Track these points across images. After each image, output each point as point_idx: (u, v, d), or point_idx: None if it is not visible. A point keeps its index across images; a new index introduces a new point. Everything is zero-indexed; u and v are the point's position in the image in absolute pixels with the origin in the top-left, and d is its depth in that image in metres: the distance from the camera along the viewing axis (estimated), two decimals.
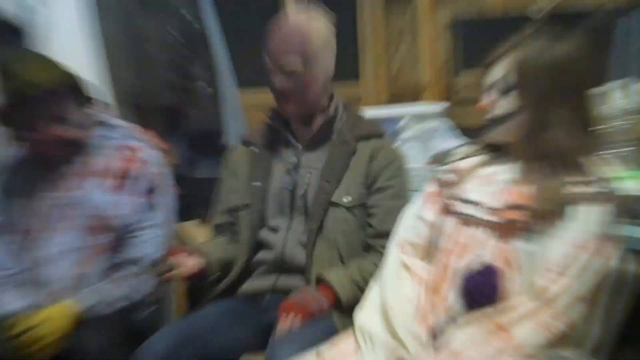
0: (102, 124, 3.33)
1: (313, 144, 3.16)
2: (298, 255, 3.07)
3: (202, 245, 3.19)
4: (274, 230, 3.13)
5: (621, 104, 3.28)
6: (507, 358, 2.38)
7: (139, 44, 4.01)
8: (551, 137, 2.52)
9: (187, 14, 4.02)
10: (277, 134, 3.20)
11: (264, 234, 3.14)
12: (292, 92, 3.03)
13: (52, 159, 3.18)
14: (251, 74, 4.28)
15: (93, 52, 3.82)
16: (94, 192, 3.20)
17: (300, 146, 3.17)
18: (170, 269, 2.97)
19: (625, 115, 3.26)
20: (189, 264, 3.00)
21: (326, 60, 3.08)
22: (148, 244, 3.24)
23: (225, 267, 3.14)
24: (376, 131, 3.18)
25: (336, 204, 3.06)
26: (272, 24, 3.04)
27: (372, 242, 3.07)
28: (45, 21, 3.77)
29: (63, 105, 3.13)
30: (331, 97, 3.17)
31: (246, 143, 3.29)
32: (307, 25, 3.02)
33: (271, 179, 3.16)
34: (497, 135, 2.64)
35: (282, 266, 3.10)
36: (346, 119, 3.17)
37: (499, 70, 2.59)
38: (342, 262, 3.04)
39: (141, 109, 4.04)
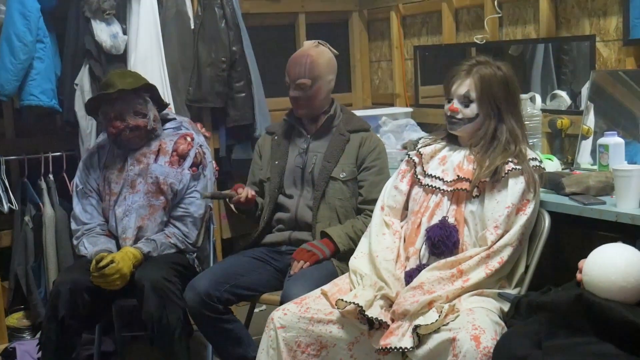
0: (169, 118, 3.34)
1: (318, 135, 3.10)
2: (307, 215, 3.03)
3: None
4: (289, 197, 3.08)
5: (530, 109, 3.29)
6: (462, 293, 2.42)
7: (194, 64, 3.93)
8: (500, 134, 2.57)
9: (231, 43, 3.94)
10: (292, 128, 3.15)
11: (282, 200, 3.09)
12: (302, 100, 3.02)
13: (132, 142, 3.16)
14: (274, 86, 4.29)
15: (160, 67, 3.75)
16: (159, 166, 3.16)
17: (309, 136, 3.11)
18: (234, 196, 2.98)
19: (532, 117, 3.26)
20: (246, 192, 2.98)
21: (328, 79, 3.06)
22: (192, 205, 3.19)
23: (261, 210, 3.13)
24: (363, 126, 3.12)
25: (335, 179, 3.01)
26: (291, 54, 3.08)
27: (361, 207, 3.03)
28: (126, 45, 3.69)
29: (143, 104, 3.14)
30: (332, 102, 3.12)
31: (269, 133, 3.24)
32: (315, 56, 3.02)
33: (287, 159, 3.11)
34: (459, 132, 2.65)
35: (295, 223, 3.06)
36: (342, 117, 3.12)
37: (461, 88, 2.60)
38: (340, 221, 3.01)
39: (195, 109, 3.99)
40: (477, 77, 2.57)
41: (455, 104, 2.61)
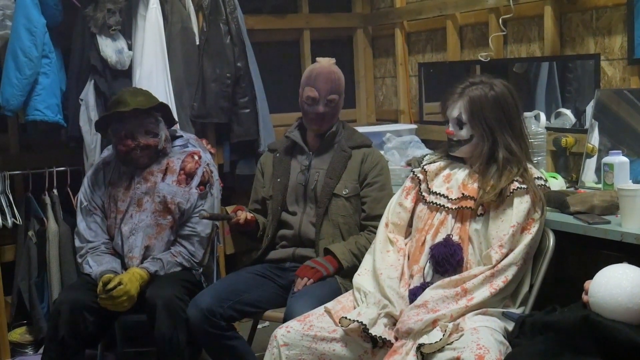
0: (177, 136, 3.33)
1: (320, 151, 3.09)
2: (310, 232, 3.03)
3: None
4: (292, 214, 3.08)
5: (534, 127, 3.30)
6: (466, 312, 2.40)
7: (199, 79, 3.93)
8: (497, 154, 2.54)
9: (236, 59, 3.95)
10: (294, 144, 3.14)
11: (285, 217, 3.08)
12: (329, 116, 3.03)
13: (141, 161, 3.14)
14: (278, 102, 4.33)
15: (165, 83, 3.76)
16: (166, 185, 3.15)
17: (311, 153, 3.10)
18: (233, 217, 2.98)
19: (536, 135, 3.28)
20: (245, 215, 2.98)
21: (343, 96, 3.10)
22: (199, 224, 3.17)
23: (264, 230, 3.12)
24: (365, 142, 3.12)
25: (337, 195, 3.01)
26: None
27: (365, 223, 3.02)
28: (132, 60, 3.71)
29: (155, 123, 3.13)
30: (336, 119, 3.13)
31: (271, 150, 3.23)
32: (338, 73, 3.06)
33: (290, 176, 3.10)
34: (457, 153, 2.67)
35: (299, 240, 3.05)
36: (344, 133, 3.12)
37: (454, 111, 2.61)
38: (343, 238, 3.00)
39: (199, 124, 3.98)
40: (466, 100, 2.58)
41: (451, 126, 2.63)
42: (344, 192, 2.99)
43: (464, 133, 2.59)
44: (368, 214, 2.99)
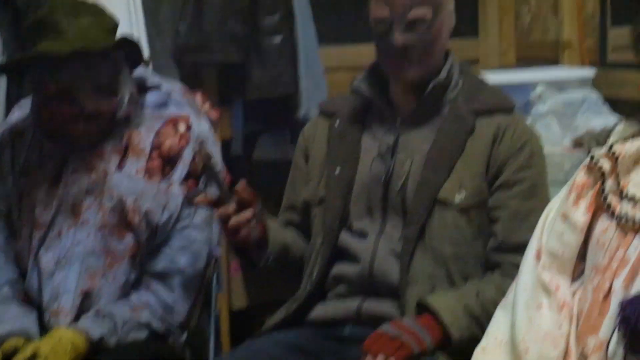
0: (148, 87, 3.33)
1: (417, 119, 3.02)
2: (391, 270, 2.95)
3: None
4: (360, 235, 3.01)
5: None
6: None
7: None
8: None
9: None
10: (368, 104, 3.10)
11: (346, 240, 3.03)
12: (418, 49, 2.93)
13: (84, 138, 3.13)
14: (336, 27, 4.45)
15: None
16: (125, 177, 3.14)
17: (399, 121, 3.03)
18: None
19: None
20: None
21: (449, 10, 3.02)
22: (181, 253, 3.14)
23: (285, 258, 3.10)
24: (502, 104, 3.05)
25: (445, 203, 2.93)
26: None
27: (495, 258, 2.95)
28: None
29: (113, 71, 3.10)
30: (445, 57, 3.04)
31: (325, 114, 3.21)
32: None
33: (357, 164, 3.06)
34: None
35: (370, 285, 2.98)
36: (462, 86, 3.04)
37: None
38: (453, 283, 2.94)
39: (189, 65, 4.02)
40: None
41: None
42: (457, 198, 2.89)
43: None
44: (503, 240, 2.89)
